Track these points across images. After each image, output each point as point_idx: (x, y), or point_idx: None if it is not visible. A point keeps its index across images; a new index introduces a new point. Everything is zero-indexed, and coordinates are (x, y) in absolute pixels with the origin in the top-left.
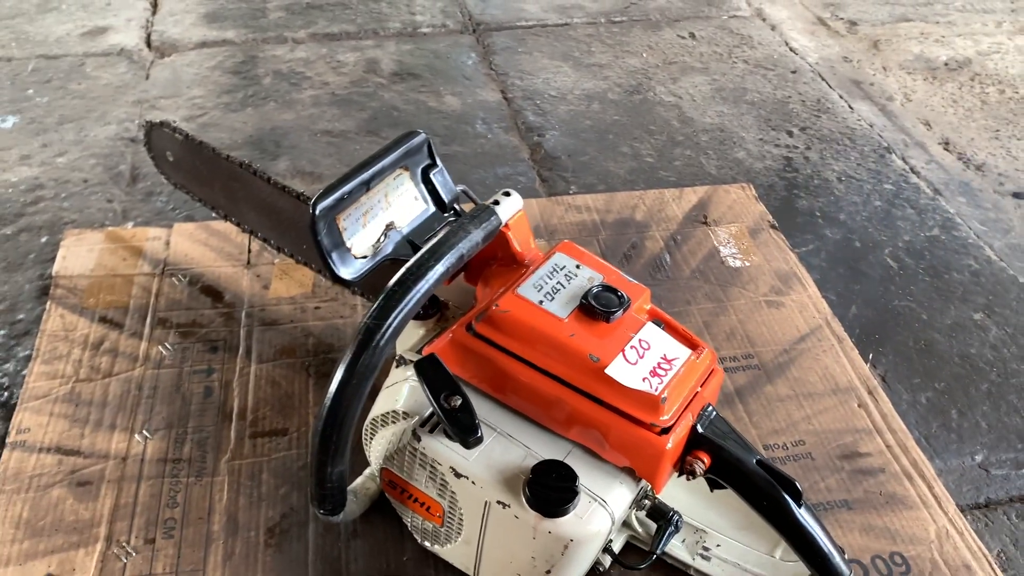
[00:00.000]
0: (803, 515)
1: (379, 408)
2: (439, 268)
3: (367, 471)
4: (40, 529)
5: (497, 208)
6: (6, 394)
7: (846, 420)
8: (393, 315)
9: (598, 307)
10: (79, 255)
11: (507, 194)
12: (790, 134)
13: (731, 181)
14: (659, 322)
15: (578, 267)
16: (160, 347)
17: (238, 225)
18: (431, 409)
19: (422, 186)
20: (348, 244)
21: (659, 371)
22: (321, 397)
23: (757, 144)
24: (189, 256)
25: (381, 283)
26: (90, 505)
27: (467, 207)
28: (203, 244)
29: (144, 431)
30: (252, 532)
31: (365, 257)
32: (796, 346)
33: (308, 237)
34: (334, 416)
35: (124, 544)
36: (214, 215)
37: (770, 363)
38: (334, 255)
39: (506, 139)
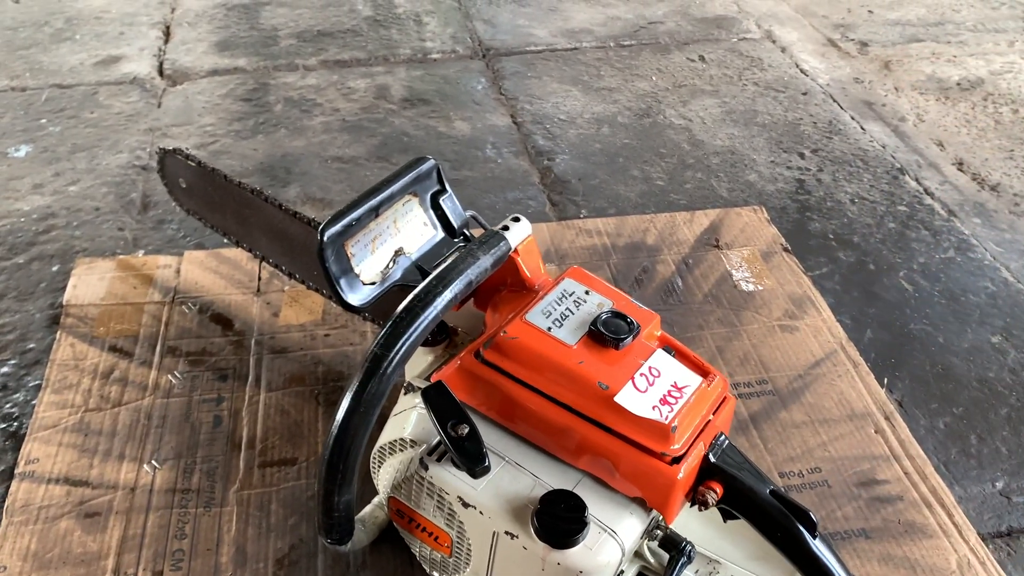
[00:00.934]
0: (818, 546)
1: (387, 436)
2: (447, 294)
3: (376, 500)
4: (48, 562)
5: (506, 234)
6: (16, 424)
7: (863, 446)
8: (401, 342)
9: (607, 334)
10: (90, 283)
11: (516, 219)
12: (802, 156)
13: (743, 204)
14: (669, 349)
15: (587, 293)
16: (170, 376)
17: (250, 251)
18: (438, 437)
19: (431, 212)
20: (357, 270)
21: (669, 399)
22: (329, 425)
23: (769, 166)
24: (199, 284)
25: (390, 309)
26: (98, 537)
27: (477, 232)
28: (213, 272)
29: (153, 461)
30: (261, 564)
31: (374, 283)
32: (811, 371)
33: (317, 263)
34: (341, 444)
35: None
36: (226, 241)
37: (784, 389)
38: (342, 281)
39: (516, 163)
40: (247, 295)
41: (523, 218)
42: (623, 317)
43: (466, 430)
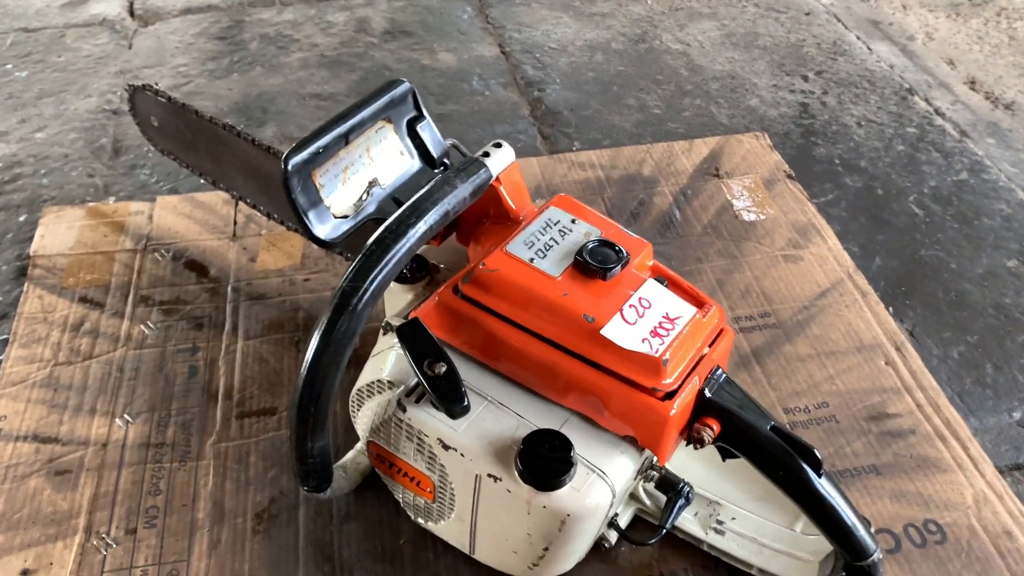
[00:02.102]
0: (823, 485)
1: (364, 378)
2: (421, 226)
3: (358, 445)
4: (16, 522)
5: (487, 160)
6: None
7: (872, 379)
8: (372, 276)
9: (593, 264)
10: (58, 233)
11: (498, 145)
12: (805, 79)
13: (744, 130)
14: (662, 279)
15: (574, 222)
16: (142, 326)
17: (226, 191)
18: (416, 378)
19: (408, 140)
20: (327, 202)
21: (660, 331)
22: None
23: (771, 91)
24: (173, 230)
25: (369, 234)
26: (68, 495)
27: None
28: (187, 217)
29: (125, 415)
30: (239, 518)
31: (346, 216)
32: (816, 302)
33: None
34: (311, 387)
35: (104, 535)
36: (202, 182)
37: (789, 321)
38: (311, 214)
39: (505, 95)
40: (223, 240)
41: (505, 144)
42: (611, 245)
43: (443, 368)
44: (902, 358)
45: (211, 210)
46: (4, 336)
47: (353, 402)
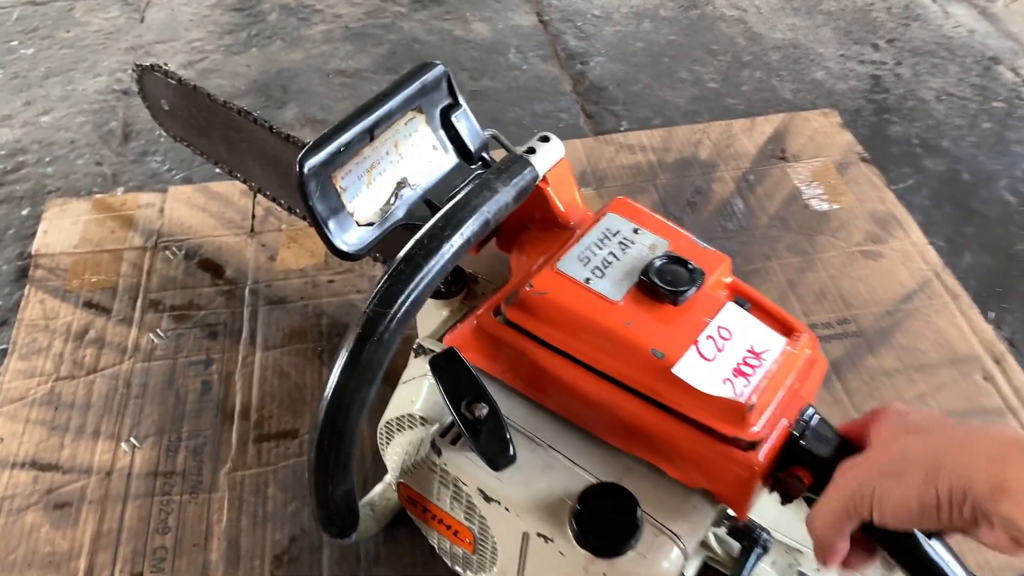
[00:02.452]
0: (933, 546)
1: (394, 410)
2: (457, 239)
3: (387, 478)
4: (11, 564)
5: (532, 158)
6: None
7: (970, 397)
8: (400, 300)
9: (662, 285)
10: (62, 228)
11: (545, 139)
12: (876, 48)
13: (810, 107)
14: (743, 301)
15: (636, 231)
16: (151, 335)
17: (244, 182)
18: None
19: (441, 132)
20: (349, 208)
21: (745, 369)
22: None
23: (838, 61)
24: (186, 224)
25: (398, 251)
26: (68, 533)
27: (500, 156)
28: (202, 210)
29: (132, 438)
30: (256, 561)
31: (371, 224)
32: (901, 306)
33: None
34: (331, 427)
35: None
36: (218, 171)
37: (871, 328)
38: (331, 223)
39: (544, 69)
40: (240, 236)
41: (553, 137)
42: (683, 263)
43: (485, 411)
44: (1003, 372)
45: (227, 201)
46: (3, 346)
47: (381, 434)
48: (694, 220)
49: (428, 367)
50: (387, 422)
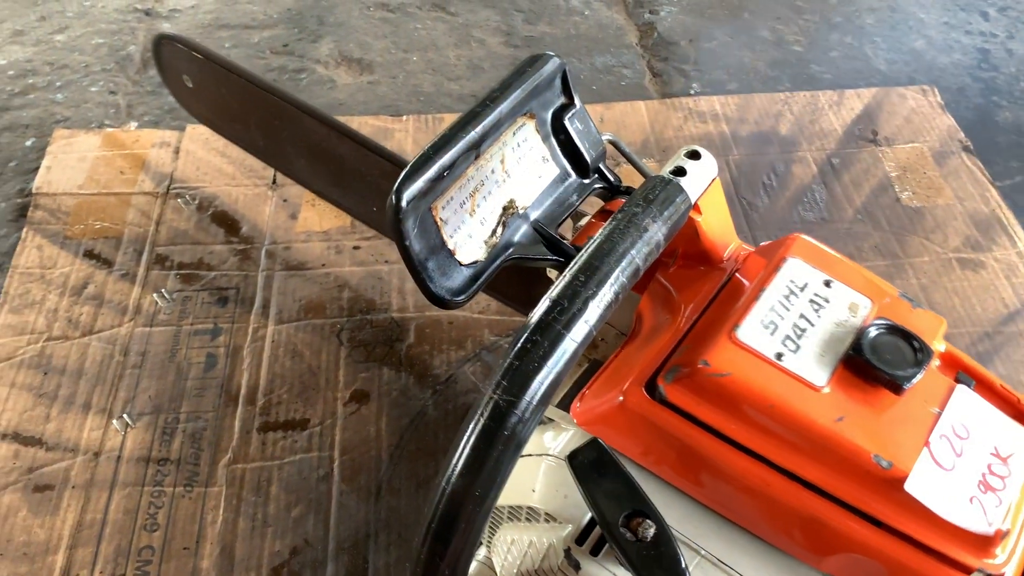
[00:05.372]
0: None
1: (506, 496)
2: (604, 297)
3: (482, 556)
4: None
5: (683, 181)
6: None
7: None
8: (536, 383)
9: (881, 367)
10: (67, 165)
11: (694, 155)
12: (985, 17)
13: (907, 82)
14: (967, 378)
15: (828, 284)
16: (155, 295)
17: (284, 173)
18: (589, 515)
19: (552, 140)
20: (450, 245)
21: (993, 481)
22: (355, 375)
23: (941, 30)
24: (202, 170)
25: (504, 281)
26: (47, 521)
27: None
28: (221, 154)
29: (125, 415)
30: (251, 573)
31: (475, 263)
32: (1003, 328)
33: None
34: (445, 541)
35: None
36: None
37: (967, 352)
38: (430, 265)
39: (608, 16)
40: (260, 188)
41: (704, 152)
42: (903, 334)
43: (651, 531)
44: None
45: None
46: None
47: None
48: (768, 207)
49: (551, 441)
50: (497, 507)
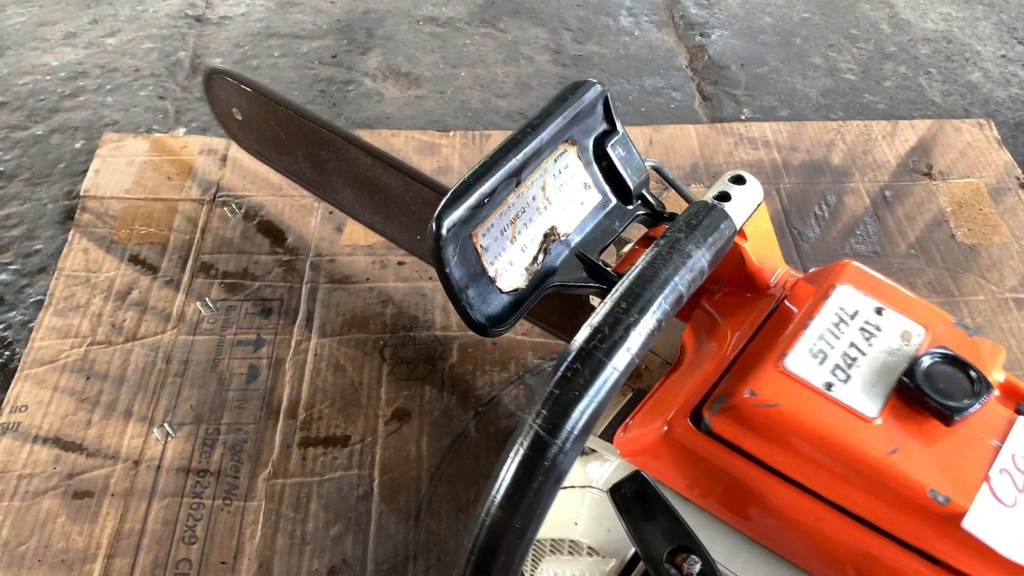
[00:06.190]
0: None
1: (547, 529)
2: (647, 324)
3: None
4: (20, 556)
5: (728, 207)
6: (7, 352)
7: None
8: (578, 412)
9: (935, 397)
10: (115, 168)
11: (739, 180)
12: None
13: (963, 114)
14: None
15: (880, 312)
16: (199, 304)
17: (334, 204)
18: (633, 550)
19: (594, 166)
20: (491, 272)
21: None
22: (397, 392)
23: (998, 63)
24: (249, 179)
25: (546, 308)
26: (86, 528)
27: (660, 191)
28: None
29: (166, 424)
30: None
31: (516, 290)
32: None
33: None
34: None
35: None
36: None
37: None
38: (470, 292)
39: (658, 38)
40: (306, 199)
41: (749, 176)
42: (960, 363)
43: (697, 568)
44: None
45: None
46: (39, 297)
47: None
48: (819, 238)
49: (593, 473)
50: (539, 540)
